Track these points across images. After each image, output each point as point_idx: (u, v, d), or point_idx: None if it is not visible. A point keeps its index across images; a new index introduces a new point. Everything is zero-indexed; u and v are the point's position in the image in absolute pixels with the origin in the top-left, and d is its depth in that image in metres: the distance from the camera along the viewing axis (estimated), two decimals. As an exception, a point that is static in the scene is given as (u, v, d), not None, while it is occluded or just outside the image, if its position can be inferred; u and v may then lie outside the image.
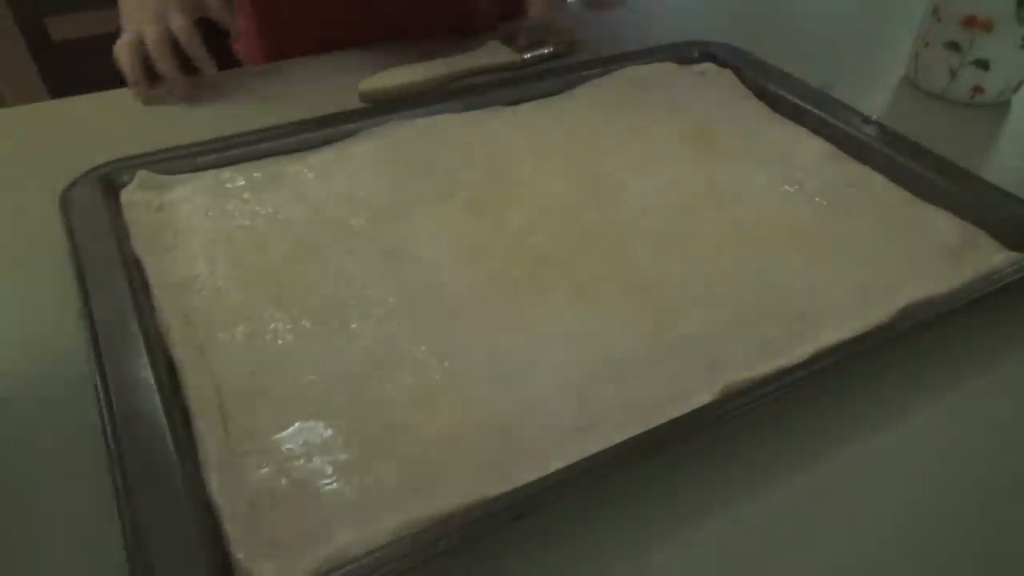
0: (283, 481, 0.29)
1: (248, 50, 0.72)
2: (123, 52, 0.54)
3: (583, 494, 0.30)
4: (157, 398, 0.31)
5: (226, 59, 0.72)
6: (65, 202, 0.42)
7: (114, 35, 0.56)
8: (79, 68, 0.73)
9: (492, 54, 0.60)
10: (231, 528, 0.27)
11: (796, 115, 0.53)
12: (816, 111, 0.52)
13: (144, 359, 0.33)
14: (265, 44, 0.70)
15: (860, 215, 0.44)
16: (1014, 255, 0.40)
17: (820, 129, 0.51)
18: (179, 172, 0.45)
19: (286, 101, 0.54)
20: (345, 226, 0.42)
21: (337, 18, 0.67)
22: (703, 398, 0.32)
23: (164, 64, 0.54)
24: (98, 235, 0.39)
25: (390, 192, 0.45)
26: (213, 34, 0.61)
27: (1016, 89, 0.59)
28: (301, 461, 0.29)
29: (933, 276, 0.38)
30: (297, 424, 0.31)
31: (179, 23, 0.54)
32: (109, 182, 0.43)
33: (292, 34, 0.68)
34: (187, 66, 0.56)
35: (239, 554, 0.26)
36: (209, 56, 0.56)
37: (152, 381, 0.32)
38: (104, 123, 0.54)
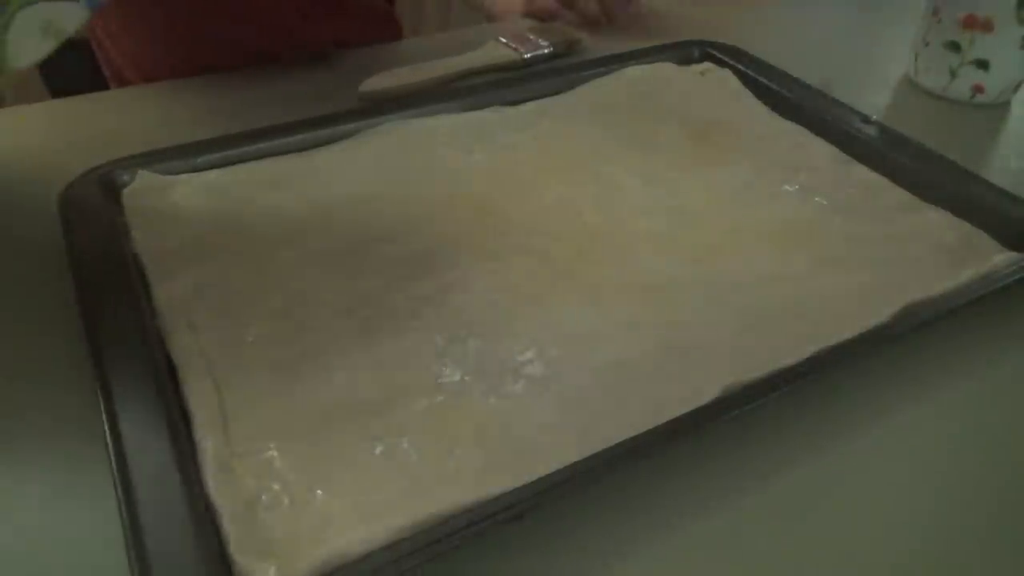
0: (283, 482, 0.29)
1: (118, 69, 0.70)
2: None
3: (583, 494, 0.30)
4: (157, 399, 0.31)
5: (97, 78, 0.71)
6: (65, 202, 0.41)
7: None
8: (79, 68, 0.73)
9: (492, 54, 0.60)
10: (230, 528, 0.27)
11: (796, 115, 0.53)
12: (816, 111, 0.52)
13: (144, 359, 0.33)
14: (132, 68, 0.68)
15: (860, 215, 0.44)
16: (1014, 255, 0.40)
17: (820, 129, 0.51)
18: (179, 172, 0.45)
19: (286, 101, 0.54)
20: (346, 227, 0.42)
21: (180, 45, 0.64)
22: (703, 398, 0.32)
23: None
24: (98, 235, 0.39)
25: (391, 193, 0.45)
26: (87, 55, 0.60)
27: (1016, 89, 0.59)
28: (301, 462, 0.29)
29: (933, 276, 0.38)
30: (298, 425, 0.31)
31: None
32: (109, 182, 0.43)
33: (154, 57, 0.66)
34: None
35: (238, 555, 0.26)
36: None
37: (152, 382, 0.32)
38: (104, 123, 0.54)
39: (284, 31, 0.65)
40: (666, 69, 0.58)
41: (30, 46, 0.29)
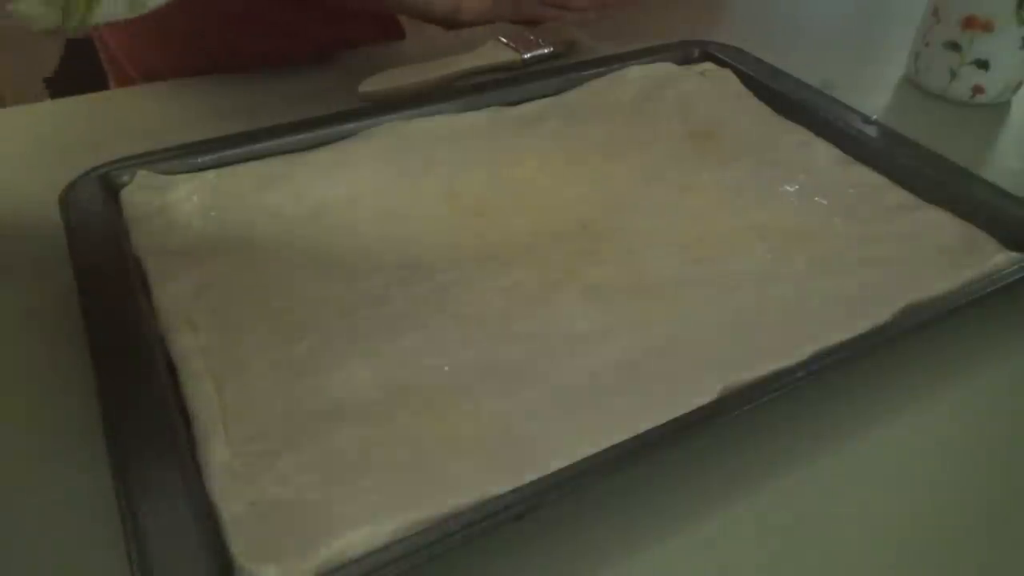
0: (283, 482, 0.29)
1: (119, 68, 0.71)
2: None
3: (583, 494, 0.30)
4: (157, 399, 0.31)
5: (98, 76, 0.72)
6: (65, 202, 0.41)
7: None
8: (79, 68, 0.73)
9: (492, 54, 0.60)
10: (231, 529, 0.27)
11: (796, 115, 0.53)
12: (816, 111, 0.52)
13: (144, 360, 0.33)
14: (133, 64, 0.69)
15: (860, 215, 0.44)
16: (1014, 255, 0.40)
17: (820, 129, 0.51)
18: (179, 172, 0.45)
19: (286, 101, 0.54)
20: (346, 227, 0.42)
21: (197, 48, 0.64)
22: (703, 398, 0.32)
23: None
24: (98, 235, 0.39)
25: (391, 193, 0.45)
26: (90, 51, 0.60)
27: (1016, 89, 0.59)
28: (302, 462, 0.29)
29: (933, 276, 0.38)
30: (298, 425, 0.31)
31: None
32: (109, 182, 0.43)
33: (157, 58, 0.66)
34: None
35: (239, 555, 0.26)
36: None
37: (152, 382, 0.32)
38: (104, 123, 0.54)
39: (287, 32, 0.65)
40: (666, 69, 0.58)
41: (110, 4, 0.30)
